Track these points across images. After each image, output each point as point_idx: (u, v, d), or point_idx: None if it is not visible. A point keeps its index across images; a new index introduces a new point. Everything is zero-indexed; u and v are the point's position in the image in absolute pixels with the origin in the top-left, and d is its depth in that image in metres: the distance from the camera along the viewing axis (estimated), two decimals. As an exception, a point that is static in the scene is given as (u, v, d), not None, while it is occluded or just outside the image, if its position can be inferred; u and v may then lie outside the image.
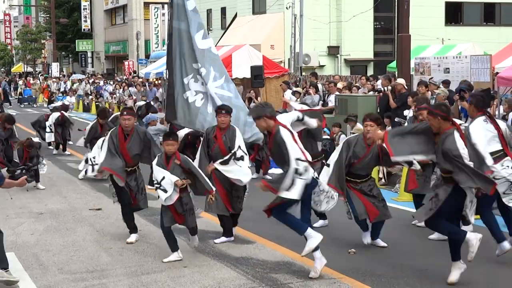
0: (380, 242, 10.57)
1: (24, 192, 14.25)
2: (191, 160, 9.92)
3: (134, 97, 33.31)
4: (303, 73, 31.17)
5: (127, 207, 10.98)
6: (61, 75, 59.69)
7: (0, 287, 8.54)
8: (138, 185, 11.06)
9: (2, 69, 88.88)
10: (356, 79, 26.47)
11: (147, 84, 34.84)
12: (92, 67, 69.79)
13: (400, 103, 18.31)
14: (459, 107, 16.80)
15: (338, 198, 10.04)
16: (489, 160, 9.15)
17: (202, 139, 10.90)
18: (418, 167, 10.22)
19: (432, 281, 8.96)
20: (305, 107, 11.52)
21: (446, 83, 19.49)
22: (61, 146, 22.17)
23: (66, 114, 22.63)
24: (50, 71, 67.00)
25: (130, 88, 35.06)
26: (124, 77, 45.84)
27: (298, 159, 8.67)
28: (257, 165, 16.77)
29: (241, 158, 10.43)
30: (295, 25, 32.22)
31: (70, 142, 22.31)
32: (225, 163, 10.44)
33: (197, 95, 10.75)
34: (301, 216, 9.20)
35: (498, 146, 9.65)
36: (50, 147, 22.49)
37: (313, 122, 9.94)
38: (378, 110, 19.35)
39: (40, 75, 64.29)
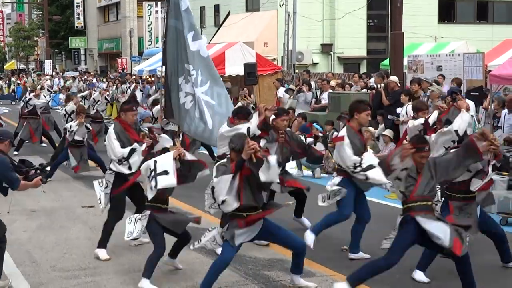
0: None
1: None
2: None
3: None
4: (296, 71, 31.18)
5: (117, 220, 10.36)
6: (53, 73, 59.57)
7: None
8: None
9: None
10: (349, 77, 26.48)
11: (140, 81, 34.76)
12: (85, 64, 69.68)
13: (393, 101, 18.33)
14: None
15: None
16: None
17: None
18: None
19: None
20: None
21: (442, 77, 19.51)
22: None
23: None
24: (43, 69, 66.86)
25: (122, 86, 34.99)
26: (118, 74, 45.76)
27: None
28: None
29: None
30: (288, 22, 32.21)
31: (44, 144, 22.30)
32: None
33: (187, 97, 10.70)
34: None
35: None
36: (43, 144, 22.42)
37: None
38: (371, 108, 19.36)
39: (33, 72, 64.15)
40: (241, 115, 10.51)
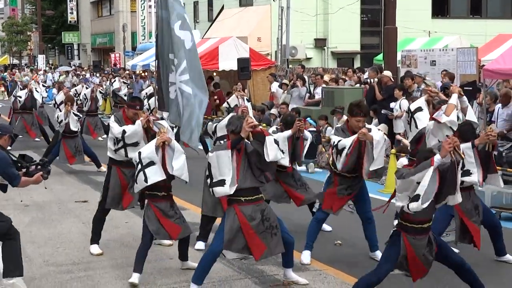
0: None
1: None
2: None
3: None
4: (290, 66, 31.16)
5: (106, 214, 10.31)
6: (47, 67, 59.45)
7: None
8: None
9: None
10: (343, 72, 26.46)
11: (133, 76, 34.72)
12: (79, 59, 69.54)
13: (386, 95, 18.33)
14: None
15: None
16: None
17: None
18: None
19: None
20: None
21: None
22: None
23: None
24: (36, 63, 66.72)
25: (115, 78, 34.94)
26: (111, 69, 45.67)
27: None
28: None
29: None
30: (282, 17, 32.20)
31: (37, 139, 22.24)
32: None
33: (171, 87, 10.60)
34: None
35: None
36: (37, 139, 22.37)
37: None
38: (365, 102, 19.36)
39: (26, 67, 64.01)
40: None
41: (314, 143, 16.29)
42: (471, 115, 10.49)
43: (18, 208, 12.86)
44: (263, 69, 27.52)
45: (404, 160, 15.22)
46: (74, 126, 16.55)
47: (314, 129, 17.86)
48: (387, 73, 19.52)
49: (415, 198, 7.05)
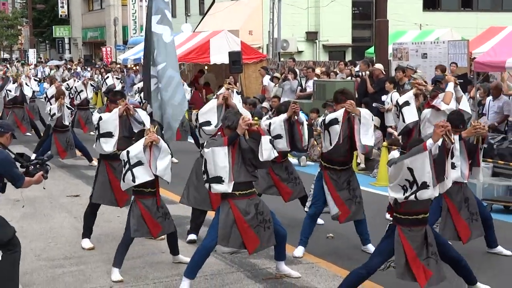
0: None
1: None
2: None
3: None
4: (282, 59, 31.14)
5: (97, 208, 10.29)
6: (37, 62, 59.28)
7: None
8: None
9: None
10: (334, 65, 26.45)
11: (125, 70, 34.65)
12: (70, 53, 69.35)
13: (378, 88, 18.33)
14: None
15: None
16: None
17: None
18: None
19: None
20: None
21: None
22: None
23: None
24: (27, 58, 66.53)
25: (107, 74, 34.87)
26: (103, 63, 45.57)
27: None
28: None
29: None
30: (273, 10, 32.16)
31: (29, 134, 22.16)
32: None
33: (152, 79, 10.58)
34: None
35: None
36: (28, 133, 22.30)
37: None
38: (357, 96, 19.37)
39: (17, 62, 63.79)
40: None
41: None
42: (465, 105, 10.52)
43: (10, 203, 12.81)
44: (255, 63, 27.50)
45: (395, 153, 15.16)
46: (67, 120, 16.51)
47: (306, 122, 17.82)
48: (379, 66, 19.51)
49: (424, 185, 7.04)
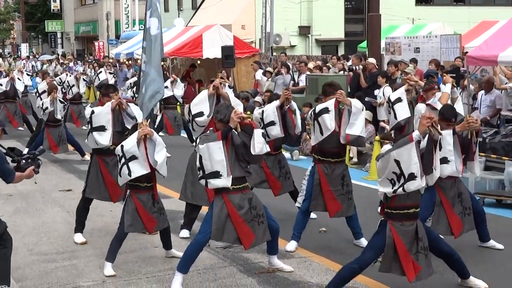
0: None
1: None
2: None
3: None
4: (274, 53, 31.12)
5: (89, 203, 10.26)
6: (30, 56, 59.15)
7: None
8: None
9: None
10: (327, 59, 26.45)
11: (117, 64, 34.61)
12: (62, 48, 69.15)
13: (371, 83, 18.35)
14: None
15: None
16: None
17: None
18: None
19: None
20: None
21: (414, 62, 19.58)
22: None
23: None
24: (19, 52, 66.37)
25: (100, 69, 34.82)
26: (95, 58, 45.49)
27: None
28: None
29: None
30: (266, 5, 32.11)
31: (21, 128, 22.11)
32: None
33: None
34: None
35: None
36: (21, 128, 22.25)
37: None
38: (349, 90, 19.40)
39: (9, 56, 63.65)
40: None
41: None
42: (460, 107, 10.56)
43: (2, 198, 12.83)
44: (247, 57, 27.49)
45: (388, 147, 15.23)
46: (59, 114, 16.48)
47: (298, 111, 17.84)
48: (372, 60, 19.53)
49: (411, 177, 7.07)
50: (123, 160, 8.38)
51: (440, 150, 8.26)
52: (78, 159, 17.05)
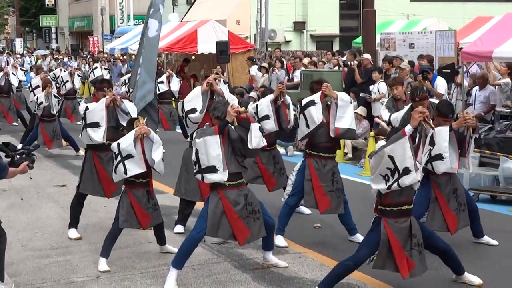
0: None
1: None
2: None
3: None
4: (269, 49, 31.11)
5: (84, 198, 10.25)
6: (24, 51, 59.03)
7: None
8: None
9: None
10: (322, 55, 26.44)
11: (112, 60, 34.56)
12: (57, 43, 69.03)
13: (366, 78, 18.35)
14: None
15: None
16: None
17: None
18: None
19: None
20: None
21: (411, 65, 19.54)
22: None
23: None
24: (13, 47, 66.23)
25: (95, 64, 34.79)
26: (90, 53, 45.41)
27: None
28: None
29: None
30: (260, 0, 32.10)
31: (15, 123, 22.07)
32: None
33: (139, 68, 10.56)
34: None
35: None
36: (15, 123, 22.21)
37: None
38: (344, 85, 19.40)
39: (3, 51, 63.47)
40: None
41: (294, 125, 16.27)
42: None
43: (-4, 193, 12.81)
44: (242, 52, 27.47)
45: (383, 143, 15.23)
46: (54, 109, 16.45)
47: (294, 112, 17.81)
48: (367, 56, 19.54)
49: (406, 171, 7.09)
50: (119, 158, 8.36)
51: (433, 146, 8.29)
52: (72, 154, 17.03)
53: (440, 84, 15.94)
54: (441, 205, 9.10)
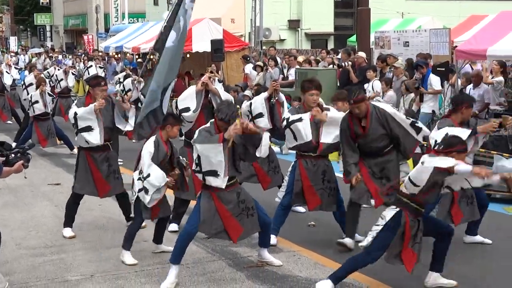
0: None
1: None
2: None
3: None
4: (264, 47, 31.11)
5: (80, 198, 10.25)
6: (19, 49, 58.92)
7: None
8: (109, 167, 10.15)
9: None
10: (317, 53, 26.47)
11: (106, 58, 34.53)
12: (51, 41, 68.96)
13: (361, 77, 18.37)
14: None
15: None
16: None
17: None
18: None
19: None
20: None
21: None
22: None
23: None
24: (8, 46, 66.13)
25: (90, 62, 34.76)
26: (85, 51, 45.36)
27: None
28: None
29: None
30: (255, -2, 32.09)
31: (9, 122, 22.03)
32: None
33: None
34: None
35: None
36: (9, 122, 22.19)
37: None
38: (338, 84, 19.44)
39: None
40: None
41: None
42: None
43: (-10, 191, 12.79)
44: (237, 51, 27.45)
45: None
46: (48, 107, 16.45)
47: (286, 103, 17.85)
48: (362, 54, 19.56)
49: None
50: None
51: None
52: (66, 153, 17.02)
53: (434, 81, 15.97)
54: (454, 198, 9.10)
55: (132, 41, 32.01)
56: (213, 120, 8.14)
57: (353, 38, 28.21)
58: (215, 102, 9.98)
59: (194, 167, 8.04)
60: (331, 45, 39.61)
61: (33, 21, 69.70)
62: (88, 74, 25.52)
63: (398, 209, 7.55)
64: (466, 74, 17.41)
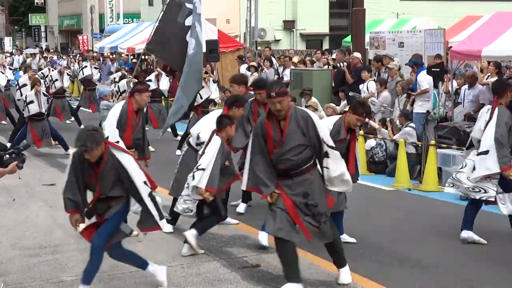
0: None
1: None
2: None
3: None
4: (259, 47, 31.12)
5: None
6: (13, 50, 58.85)
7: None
8: None
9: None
10: (312, 54, 26.47)
11: (101, 58, 34.50)
12: (46, 41, 68.88)
13: (356, 78, 18.38)
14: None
15: None
16: None
17: None
18: None
19: (386, 253, 9.07)
20: None
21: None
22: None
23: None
24: (2, 46, 66.04)
25: (84, 63, 34.74)
26: (79, 52, 45.34)
27: None
28: None
29: None
30: (250, -1, 32.10)
31: (4, 122, 22.02)
32: None
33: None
34: None
35: None
36: (4, 122, 22.18)
37: None
38: (333, 85, 19.45)
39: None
40: (239, 103, 10.12)
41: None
42: None
43: (-15, 192, 12.77)
44: (232, 51, 27.44)
45: (372, 142, 15.31)
46: (43, 107, 16.44)
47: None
48: (357, 54, 19.57)
49: None
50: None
51: None
52: (61, 153, 16.99)
53: (422, 80, 15.97)
54: None
55: (127, 41, 32.01)
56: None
57: (348, 38, 28.22)
58: None
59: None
60: (326, 45, 39.69)
61: (28, 21, 69.59)
62: (83, 74, 25.50)
63: None
64: (462, 74, 17.42)
